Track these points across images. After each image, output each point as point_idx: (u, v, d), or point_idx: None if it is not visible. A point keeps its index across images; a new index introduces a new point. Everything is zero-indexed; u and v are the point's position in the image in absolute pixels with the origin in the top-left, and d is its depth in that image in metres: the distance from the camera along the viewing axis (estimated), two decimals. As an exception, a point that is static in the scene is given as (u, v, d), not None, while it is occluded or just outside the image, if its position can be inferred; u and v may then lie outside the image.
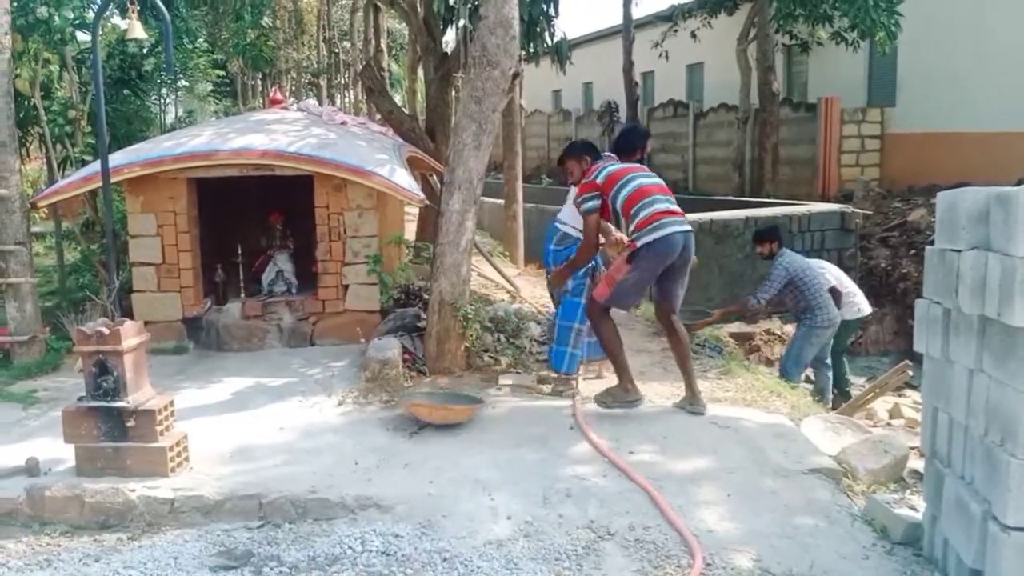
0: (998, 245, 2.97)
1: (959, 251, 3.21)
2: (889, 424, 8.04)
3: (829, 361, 8.17)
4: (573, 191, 6.19)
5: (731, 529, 3.85)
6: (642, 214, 5.11)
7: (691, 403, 5.39)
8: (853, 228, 12.94)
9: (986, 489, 3.08)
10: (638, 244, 5.06)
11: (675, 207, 5.26)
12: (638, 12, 21.89)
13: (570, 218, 5.98)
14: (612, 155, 6.23)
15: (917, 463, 4.62)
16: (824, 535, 3.80)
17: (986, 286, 3.02)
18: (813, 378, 8.35)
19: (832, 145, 17.21)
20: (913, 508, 3.90)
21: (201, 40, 16.53)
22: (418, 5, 10.10)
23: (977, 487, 3.16)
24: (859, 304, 8.30)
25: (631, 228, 5.17)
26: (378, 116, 12.69)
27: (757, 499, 4.13)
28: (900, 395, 9.05)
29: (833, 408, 7.32)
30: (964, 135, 15.17)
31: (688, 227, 5.21)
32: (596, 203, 5.25)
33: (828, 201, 15.52)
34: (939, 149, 15.63)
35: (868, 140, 17.41)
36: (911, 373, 7.54)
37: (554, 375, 6.05)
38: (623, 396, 5.30)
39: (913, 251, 13.05)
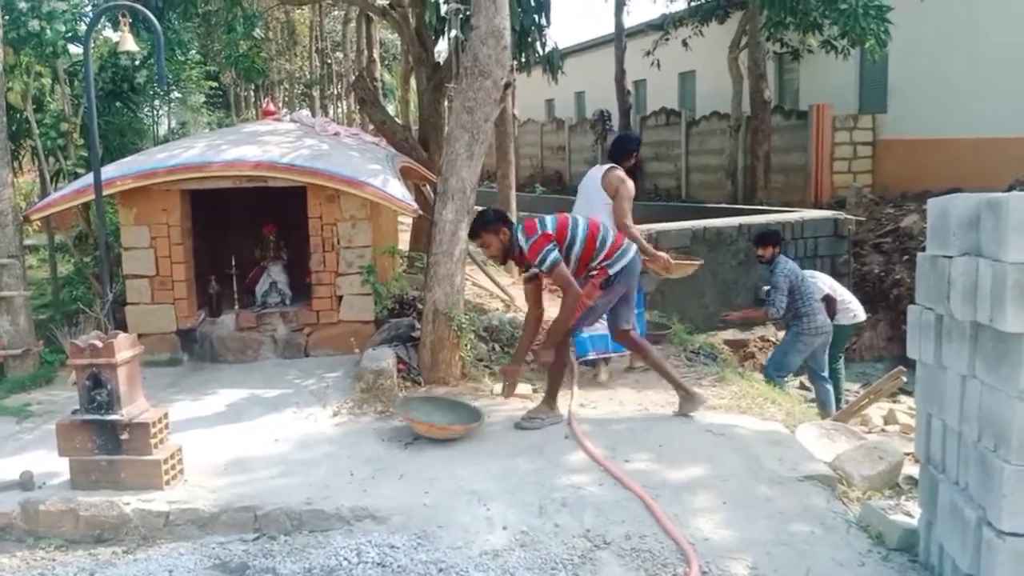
0: (989, 251, 2.98)
1: (950, 257, 3.22)
2: (884, 430, 8.06)
3: (826, 374, 8.13)
4: (585, 187, 6.52)
5: (727, 537, 3.85)
6: (607, 245, 5.31)
7: (688, 403, 5.46)
8: (846, 235, 12.98)
9: (980, 495, 3.09)
10: (611, 272, 5.28)
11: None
12: (630, 21, 22.00)
13: None
14: (611, 163, 6.43)
15: (912, 469, 4.63)
16: (820, 542, 3.80)
17: (977, 292, 3.03)
18: (813, 392, 8.35)
19: (824, 152, 17.28)
20: (908, 514, 3.91)
21: (193, 52, 16.55)
22: (410, 16, 10.12)
23: (971, 493, 3.16)
24: (854, 310, 8.34)
25: (598, 260, 5.29)
26: (371, 126, 12.70)
27: (752, 506, 4.13)
28: (895, 401, 9.06)
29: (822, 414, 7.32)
30: (956, 141, 15.23)
31: (635, 246, 5.60)
32: (557, 254, 5.10)
33: (821, 208, 15.58)
34: (931, 155, 15.69)
35: (860, 147, 17.47)
36: (905, 379, 7.55)
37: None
38: (548, 413, 5.41)
39: (906, 257, 13.08)
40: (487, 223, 5.23)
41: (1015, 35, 14.16)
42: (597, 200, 6.37)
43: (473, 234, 5.39)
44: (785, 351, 7.89)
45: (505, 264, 5.48)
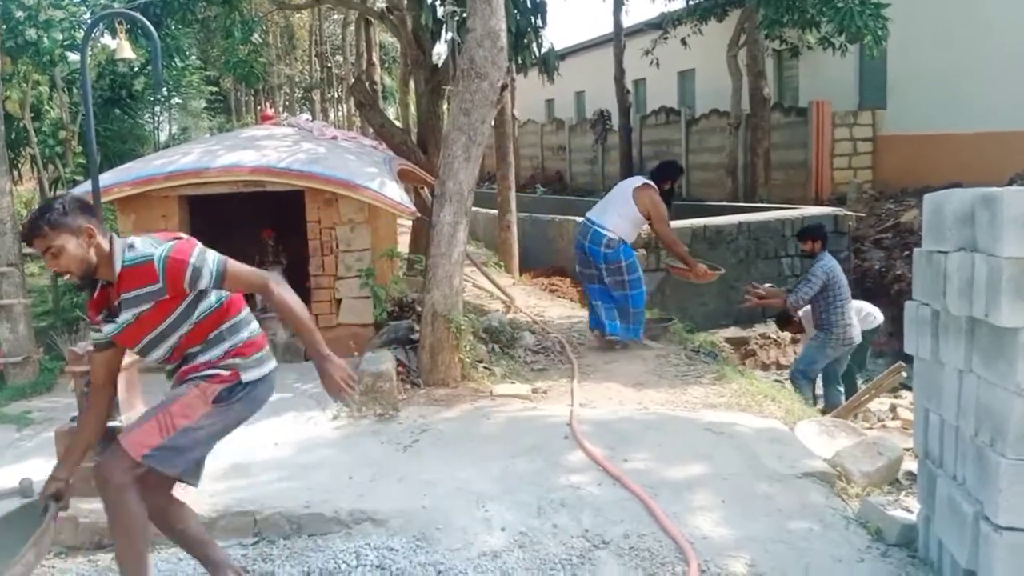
0: (984, 246, 2.98)
1: (946, 253, 3.22)
2: (884, 426, 8.04)
3: (840, 380, 8.07)
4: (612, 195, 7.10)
5: (726, 535, 3.85)
6: (241, 336, 3.46)
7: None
8: (846, 231, 12.98)
9: (977, 489, 3.08)
10: (242, 378, 3.36)
11: None
12: (628, 20, 22.00)
13: (612, 224, 6.87)
14: (650, 180, 7.09)
15: (912, 465, 4.62)
16: (819, 539, 3.79)
17: (973, 287, 3.02)
18: (823, 395, 8.31)
19: (824, 148, 17.25)
20: (907, 510, 3.90)
21: (193, 58, 16.58)
22: (407, 18, 10.13)
23: (969, 487, 3.16)
24: (873, 314, 8.31)
25: (223, 350, 3.35)
26: (371, 130, 12.71)
27: (751, 504, 4.13)
28: (897, 396, 9.04)
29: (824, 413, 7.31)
30: (956, 136, 15.21)
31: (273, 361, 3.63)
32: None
33: (821, 204, 15.56)
34: (931, 150, 15.66)
35: (860, 143, 17.44)
36: (905, 374, 7.54)
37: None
38: None
39: (907, 252, 13.04)
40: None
41: (1014, 29, 14.13)
42: (617, 207, 6.98)
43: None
44: (812, 359, 7.79)
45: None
